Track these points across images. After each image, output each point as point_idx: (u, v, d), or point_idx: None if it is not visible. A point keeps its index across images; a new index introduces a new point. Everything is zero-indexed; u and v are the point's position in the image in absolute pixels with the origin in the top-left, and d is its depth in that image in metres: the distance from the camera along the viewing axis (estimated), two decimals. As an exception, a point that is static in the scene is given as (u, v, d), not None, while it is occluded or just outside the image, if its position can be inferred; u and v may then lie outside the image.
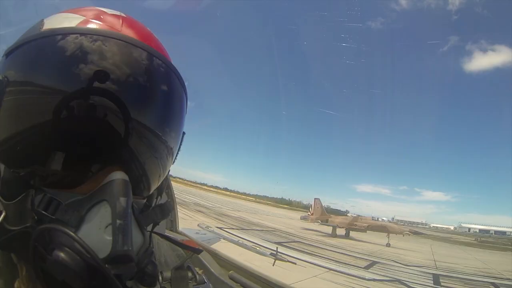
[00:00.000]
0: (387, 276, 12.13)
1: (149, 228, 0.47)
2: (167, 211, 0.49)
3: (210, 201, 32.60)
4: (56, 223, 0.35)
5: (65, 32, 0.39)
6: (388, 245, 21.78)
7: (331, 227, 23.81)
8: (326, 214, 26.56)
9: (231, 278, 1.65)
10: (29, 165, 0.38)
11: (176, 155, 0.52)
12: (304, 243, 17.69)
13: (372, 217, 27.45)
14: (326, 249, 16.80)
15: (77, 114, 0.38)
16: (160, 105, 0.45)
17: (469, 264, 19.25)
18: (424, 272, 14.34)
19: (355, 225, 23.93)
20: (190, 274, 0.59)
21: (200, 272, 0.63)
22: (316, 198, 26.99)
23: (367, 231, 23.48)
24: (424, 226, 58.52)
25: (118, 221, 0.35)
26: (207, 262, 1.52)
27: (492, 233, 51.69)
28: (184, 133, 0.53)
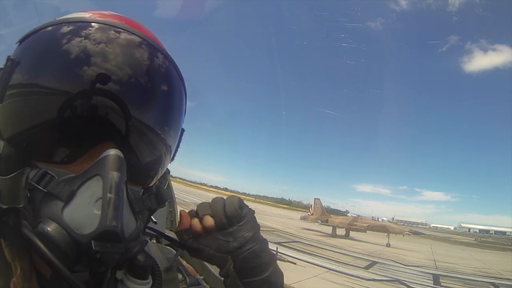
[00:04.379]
0: (387, 276, 12.12)
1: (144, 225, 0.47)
2: (162, 199, 0.48)
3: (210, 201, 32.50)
4: (47, 196, 0.36)
5: (74, 21, 0.42)
6: (388, 245, 21.78)
7: (331, 227, 23.81)
8: (326, 214, 26.60)
9: None
10: (28, 139, 0.39)
11: (175, 152, 0.52)
12: (304, 243, 17.71)
13: (372, 217, 27.44)
14: (326, 249, 16.81)
15: (80, 100, 0.39)
16: (158, 100, 0.45)
17: (469, 264, 19.23)
18: (424, 272, 14.33)
19: (355, 225, 23.93)
20: (180, 276, 0.59)
21: (191, 271, 0.61)
22: (316, 198, 27.09)
23: (368, 231, 23.49)
24: (424, 226, 58.49)
25: (109, 195, 0.34)
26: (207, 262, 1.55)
27: (492, 233, 51.65)
28: (183, 130, 0.53)
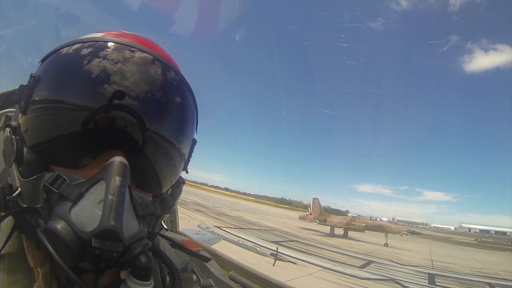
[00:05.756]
0: (382, 275, 12.11)
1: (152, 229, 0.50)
2: (167, 205, 0.50)
3: (210, 200, 32.53)
4: (59, 197, 0.40)
5: (89, 41, 0.46)
6: (386, 244, 21.72)
7: (330, 227, 23.89)
8: (324, 214, 26.70)
9: (231, 279, 1.68)
10: (47, 147, 0.44)
11: (187, 162, 0.55)
12: (301, 242, 17.76)
13: (371, 217, 27.51)
14: (323, 249, 16.84)
15: (94, 115, 0.43)
16: (167, 111, 0.48)
17: (467, 264, 19.15)
18: (420, 272, 14.28)
19: (353, 225, 23.99)
20: (194, 277, 0.63)
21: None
22: (315, 198, 27.20)
23: (367, 231, 23.50)
24: (424, 226, 58.29)
25: (110, 197, 0.38)
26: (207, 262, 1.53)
27: (492, 233, 51.45)
28: (195, 140, 0.57)
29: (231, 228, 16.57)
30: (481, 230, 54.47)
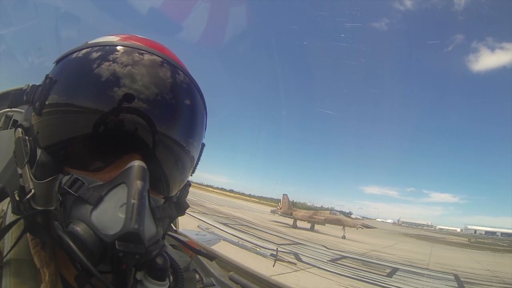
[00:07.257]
0: (290, 251, 13.20)
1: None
2: (182, 208, 0.54)
3: (200, 197, 33.88)
4: (78, 200, 0.41)
5: (104, 45, 0.48)
6: (343, 237, 23.41)
7: (293, 220, 26.95)
8: (291, 208, 29.96)
9: (231, 279, 1.74)
10: (62, 149, 0.45)
11: (196, 165, 0.58)
12: (250, 227, 19.63)
13: (330, 211, 29.62)
14: (266, 233, 18.41)
15: (109, 117, 0.44)
16: (179, 115, 0.51)
17: (408, 256, 19.45)
18: (337, 254, 15.37)
19: (314, 218, 26.81)
20: (197, 276, 0.67)
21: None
22: (285, 194, 30.84)
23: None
24: (429, 228, 55.20)
25: (132, 201, 0.39)
26: (207, 263, 1.52)
27: (498, 235, 47.58)
28: (203, 144, 0.59)
29: (195, 212, 17.97)
30: (486, 232, 50.71)
